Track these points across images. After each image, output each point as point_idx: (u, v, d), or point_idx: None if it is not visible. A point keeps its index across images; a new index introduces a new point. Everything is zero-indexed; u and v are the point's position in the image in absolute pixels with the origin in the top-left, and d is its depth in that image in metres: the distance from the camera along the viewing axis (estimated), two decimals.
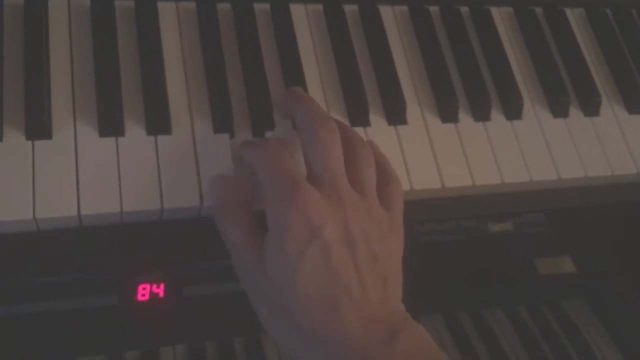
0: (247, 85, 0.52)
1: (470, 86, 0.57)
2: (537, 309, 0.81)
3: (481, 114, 0.56)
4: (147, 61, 0.51)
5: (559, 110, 0.58)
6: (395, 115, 0.54)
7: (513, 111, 0.57)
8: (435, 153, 0.53)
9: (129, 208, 0.46)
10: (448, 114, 0.55)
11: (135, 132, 0.48)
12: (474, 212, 0.67)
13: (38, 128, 0.46)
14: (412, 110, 0.55)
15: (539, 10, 0.63)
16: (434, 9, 0.60)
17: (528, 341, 0.76)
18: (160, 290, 0.70)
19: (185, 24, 0.54)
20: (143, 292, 0.69)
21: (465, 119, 0.56)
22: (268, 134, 0.51)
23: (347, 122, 0.53)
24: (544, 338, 0.78)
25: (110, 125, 0.48)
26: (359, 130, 0.53)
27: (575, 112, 0.58)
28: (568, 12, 0.63)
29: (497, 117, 0.57)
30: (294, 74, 0.53)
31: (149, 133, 0.49)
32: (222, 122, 0.50)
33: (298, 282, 0.42)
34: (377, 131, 0.53)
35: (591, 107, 0.59)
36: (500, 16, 0.61)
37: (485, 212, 0.69)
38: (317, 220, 0.42)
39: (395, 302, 0.45)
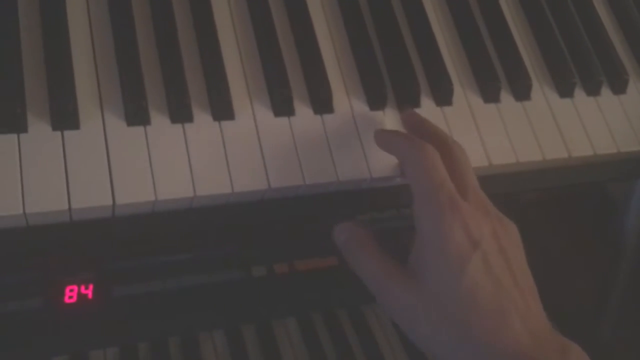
0: (164, 69, 0.49)
1: (398, 73, 0.55)
2: None
3: (410, 101, 0.54)
4: (51, 43, 0.47)
5: (490, 95, 0.57)
6: (322, 103, 0.52)
7: (443, 97, 0.55)
8: (362, 141, 0.52)
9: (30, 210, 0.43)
10: (376, 102, 0.53)
11: (40, 127, 0.45)
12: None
13: None
14: (339, 98, 0.53)
15: None
16: None
17: None
18: (89, 291, 0.67)
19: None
20: (70, 293, 0.66)
21: (391, 107, 0.54)
22: (188, 126, 0.48)
23: (270, 111, 0.51)
24: None
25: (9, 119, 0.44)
26: (284, 120, 0.51)
27: (506, 97, 0.57)
28: None
29: (427, 103, 0.55)
30: (211, 54, 0.51)
31: (55, 128, 0.45)
32: (135, 114, 0.47)
33: (466, 293, 0.43)
34: (303, 120, 0.51)
35: (522, 92, 0.58)
36: None
37: None
38: (476, 232, 0.44)
39: (545, 318, 0.45)
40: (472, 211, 0.44)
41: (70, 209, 0.43)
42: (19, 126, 0.44)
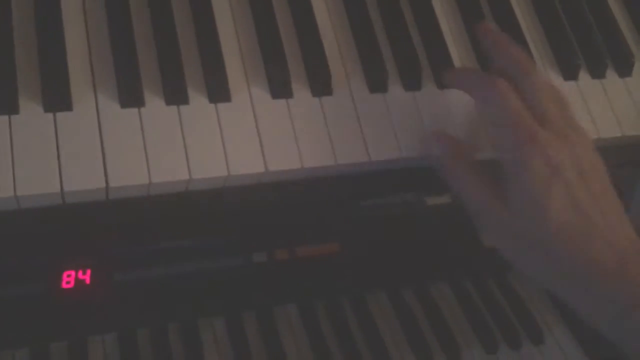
0: (159, 50, 0.48)
1: (400, 55, 0.54)
2: (483, 282, 0.80)
3: (412, 83, 0.53)
4: (43, 23, 0.47)
5: None
6: (321, 85, 0.51)
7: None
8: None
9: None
10: (377, 85, 0.52)
11: (31, 109, 0.44)
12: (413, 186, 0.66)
13: None
14: (339, 81, 0.52)
15: None
16: None
17: (473, 315, 0.75)
18: (86, 276, 0.66)
19: None
20: (68, 279, 0.66)
21: (395, 88, 0.53)
22: (183, 107, 0.48)
23: (268, 93, 0.50)
24: (489, 311, 0.77)
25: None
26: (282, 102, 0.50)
27: None
28: None
29: (428, 85, 0.54)
30: (208, 36, 0.50)
31: (47, 110, 0.45)
32: (129, 95, 0.46)
33: (550, 219, 0.45)
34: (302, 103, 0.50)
35: None
36: None
37: (424, 185, 0.67)
38: (556, 159, 0.45)
39: (630, 230, 0.47)
40: (551, 139, 0.46)
41: (62, 191, 0.43)
42: (10, 107, 0.44)
